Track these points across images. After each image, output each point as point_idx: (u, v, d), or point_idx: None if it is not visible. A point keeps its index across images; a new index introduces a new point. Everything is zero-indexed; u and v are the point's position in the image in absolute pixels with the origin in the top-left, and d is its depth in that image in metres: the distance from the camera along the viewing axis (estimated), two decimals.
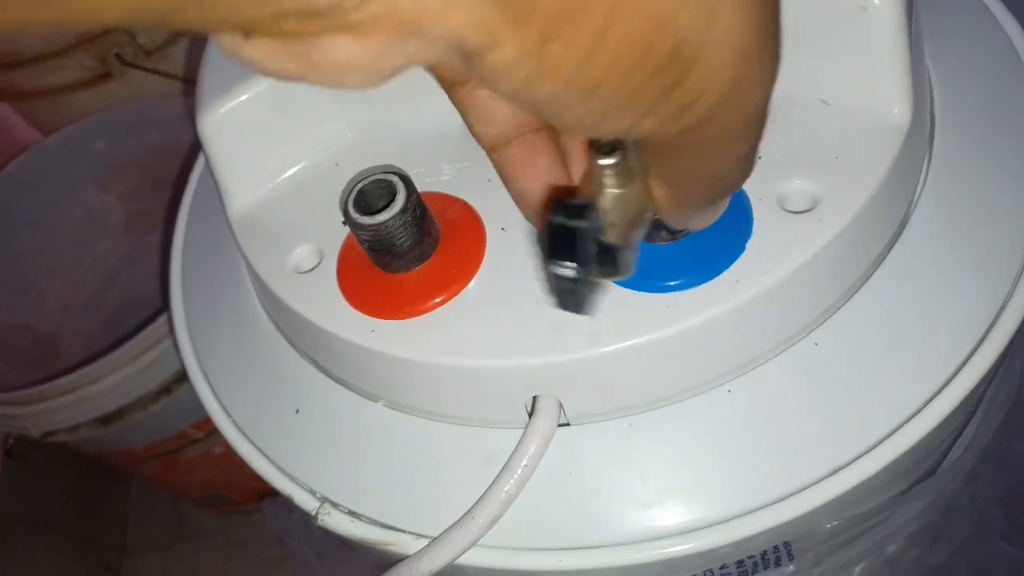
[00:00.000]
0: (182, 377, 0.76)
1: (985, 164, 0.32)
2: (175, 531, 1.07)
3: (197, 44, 0.92)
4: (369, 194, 0.29)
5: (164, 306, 0.74)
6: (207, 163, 0.36)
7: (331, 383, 0.34)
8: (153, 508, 1.10)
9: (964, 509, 0.36)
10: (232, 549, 1.03)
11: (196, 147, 0.93)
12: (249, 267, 0.35)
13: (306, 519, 0.51)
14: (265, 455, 0.35)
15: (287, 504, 0.57)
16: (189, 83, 0.91)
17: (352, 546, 0.37)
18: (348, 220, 0.29)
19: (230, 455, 0.96)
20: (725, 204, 0.27)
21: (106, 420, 0.77)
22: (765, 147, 0.30)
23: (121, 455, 0.87)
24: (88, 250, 1.01)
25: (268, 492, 1.02)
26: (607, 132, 0.19)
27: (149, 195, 1.00)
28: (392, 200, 0.29)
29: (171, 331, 0.41)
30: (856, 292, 0.30)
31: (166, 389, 0.77)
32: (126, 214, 1.01)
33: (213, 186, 0.44)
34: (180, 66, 0.91)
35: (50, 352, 0.97)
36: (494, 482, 0.29)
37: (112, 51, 0.89)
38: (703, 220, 0.27)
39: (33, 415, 0.76)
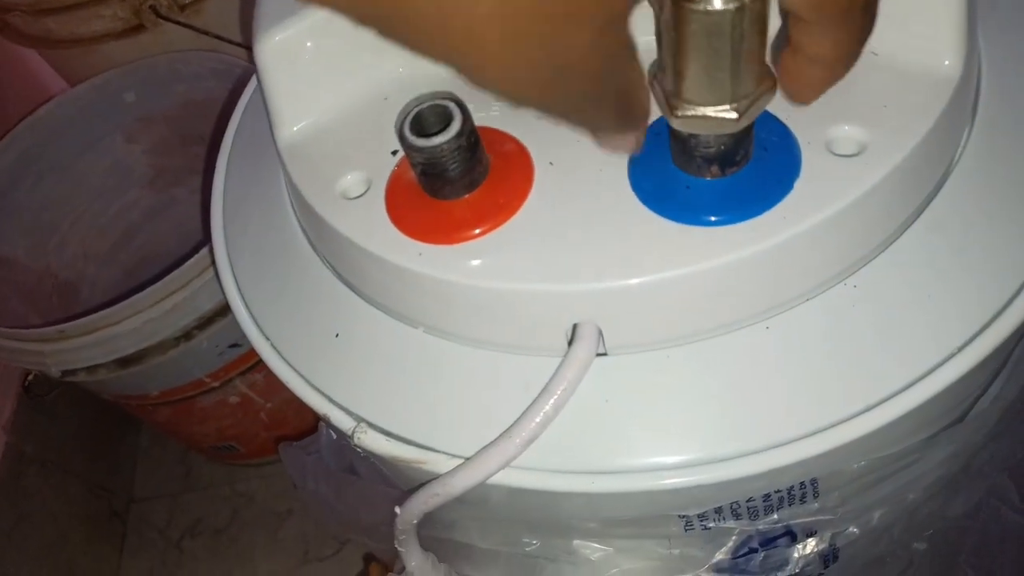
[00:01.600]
0: (203, 323, 0.77)
1: None
2: (183, 481, 1.08)
3: (229, 2, 0.92)
4: (425, 118, 0.30)
5: (204, 236, 0.75)
6: (260, 90, 0.36)
7: (372, 309, 0.35)
8: (162, 458, 1.11)
9: (982, 469, 0.37)
10: (239, 501, 1.04)
11: (228, 102, 0.94)
12: (296, 194, 0.36)
13: (327, 455, 0.52)
14: (303, 376, 0.36)
15: (304, 446, 0.58)
16: (221, 39, 0.92)
17: (381, 473, 0.38)
18: (403, 142, 0.30)
19: (244, 405, 0.97)
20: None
21: (125, 362, 0.78)
22: None
23: (136, 400, 0.88)
24: (113, 200, 1.02)
25: (276, 448, 1.03)
26: None
27: (176, 149, 1.01)
28: (448, 125, 0.30)
29: (211, 258, 0.41)
30: (897, 239, 0.30)
31: (186, 335, 0.77)
32: (152, 167, 1.02)
33: (255, 123, 0.45)
34: (212, 21, 0.92)
35: (70, 298, 0.98)
36: (532, 403, 0.30)
37: (147, 3, 0.89)
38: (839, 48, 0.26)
39: (54, 353, 0.76)
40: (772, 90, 0.26)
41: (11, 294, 0.89)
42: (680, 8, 0.23)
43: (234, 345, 0.82)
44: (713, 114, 0.26)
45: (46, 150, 0.93)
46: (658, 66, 0.26)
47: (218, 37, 0.91)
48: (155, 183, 1.04)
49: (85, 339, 0.74)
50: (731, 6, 0.22)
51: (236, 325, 0.82)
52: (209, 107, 0.94)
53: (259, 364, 0.87)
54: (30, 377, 0.84)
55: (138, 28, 0.91)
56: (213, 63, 0.90)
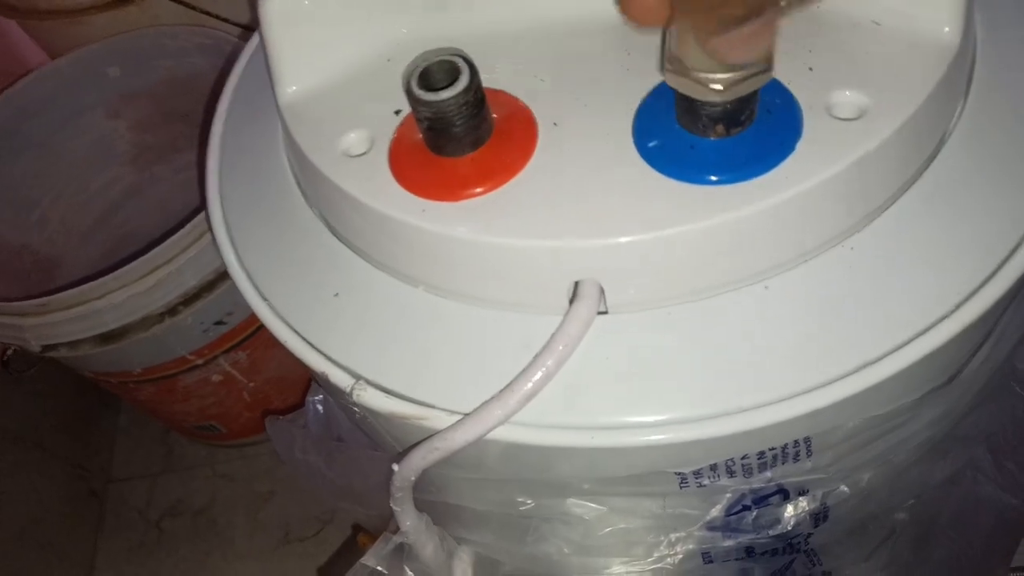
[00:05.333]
0: (188, 300, 0.77)
1: (1019, 95, 0.33)
2: (163, 462, 1.08)
3: None
4: (433, 74, 0.30)
5: (196, 204, 0.74)
6: (262, 47, 0.36)
7: (372, 268, 0.35)
8: (142, 438, 1.10)
9: (966, 435, 0.38)
10: (219, 482, 1.04)
11: (214, 79, 0.92)
12: (297, 153, 0.36)
13: (313, 427, 0.52)
14: (301, 336, 0.36)
15: (292, 419, 0.58)
16: (209, 15, 0.91)
17: (378, 431, 0.38)
18: (410, 96, 0.30)
19: (227, 384, 0.97)
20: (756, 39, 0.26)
21: (108, 338, 0.78)
22: (816, 60, 0.31)
23: (117, 377, 0.87)
24: (94, 176, 1.01)
25: (261, 426, 1.03)
26: None
27: (160, 126, 1.00)
28: (455, 81, 0.30)
29: (207, 220, 0.41)
30: (894, 203, 0.31)
31: (171, 311, 0.77)
32: (135, 144, 1.01)
33: (252, 87, 0.45)
34: None
35: (49, 274, 0.97)
36: (534, 359, 0.30)
37: None
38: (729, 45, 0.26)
39: (34, 327, 0.76)
40: (765, 72, 0.27)
41: None
42: None
43: (219, 322, 0.82)
44: (743, 75, 0.26)
45: (26, 124, 0.92)
46: (673, 53, 0.27)
47: (206, 12, 0.90)
48: (137, 161, 1.02)
49: (67, 313, 0.74)
50: None
51: (222, 302, 0.82)
52: (194, 84, 0.93)
53: (243, 343, 0.86)
54: (9, 352, 0.83)
55: (123, 0, 0.90)
56: (200, 38, 0.89)
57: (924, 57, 0.30)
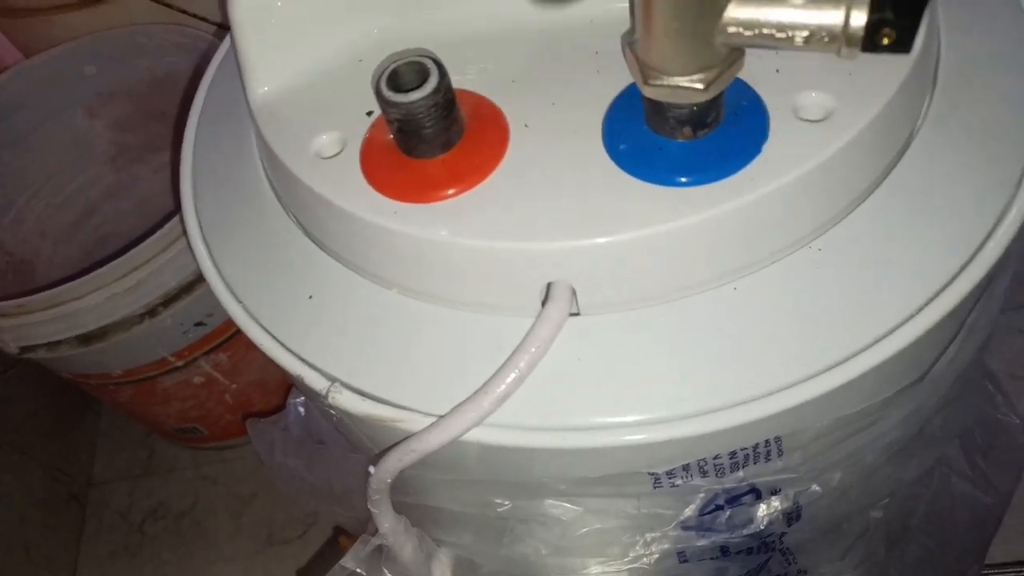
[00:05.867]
0: (168, 300, 0.76)
1: (983, 94, 0.34)
2: (144, 464, 1.07)
3: None
4: (402, 75, 0.30)
5: (175, 204, 0.74)
6: (232, 48, 0.36)
7: (345, 270, 0.35)
8: (122, 440, 1.10)
9: (934, 435, 0.38)
10: (201, 484, 1.03)
11: (192, 77, 0.92)
12: (269, 155, 0.36)
13: (293, 428, 0.52)
14: (276, 339, 0.36)
15: (273, 421, 0.57)
16: (185, 13, 0.90)
17: (354, 434, 0.38)
18: (380, 98, 0.30)
19: (208, 386, 0.96)
20: None
21: (87, 339, 0.77)
22: (783, 62, 0.31)
23: (97, 379, 0.87)
24: (72, 176, 1.00)
25: (243, 429, 1.02)
26: None
27: (138, 126, 0.99)
28: (424, 82, 0.30)
29: (182, 226, 0.41)
30: (860, 204, 0.31)
31: (151, 312, 0.76)
32: (113, 143, 1.01)
33: (225, 89, 0.45)
34: None
35: (25, 276, 0.96)
36: (507, 361, 0.30)
37: None
38: None
39: (13, 328, 0.75)
40: (739, 62, 0.27)
41: None
42: None
43: (199, 324, 0.81)
44: (683, 84, 0.27)
45: (1, 123, 0.91)
46: (631, 34, 0.27)
47: (182, 11, 0.90)
48: (116, 160, 1.02)
49: (46, 314, 0.73)
50: None
51: (202, 302, 0.82)
52: (172, 83, 0.92)
53: (224, 344, 0.86)
54: None
55: None
56: (177, 36, 0.88)
57: (887, 61, 0.31)
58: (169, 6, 0.90)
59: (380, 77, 0.30)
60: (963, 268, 0.31)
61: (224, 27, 0.91)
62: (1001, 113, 0.33)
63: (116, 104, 0.97)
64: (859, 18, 0.26)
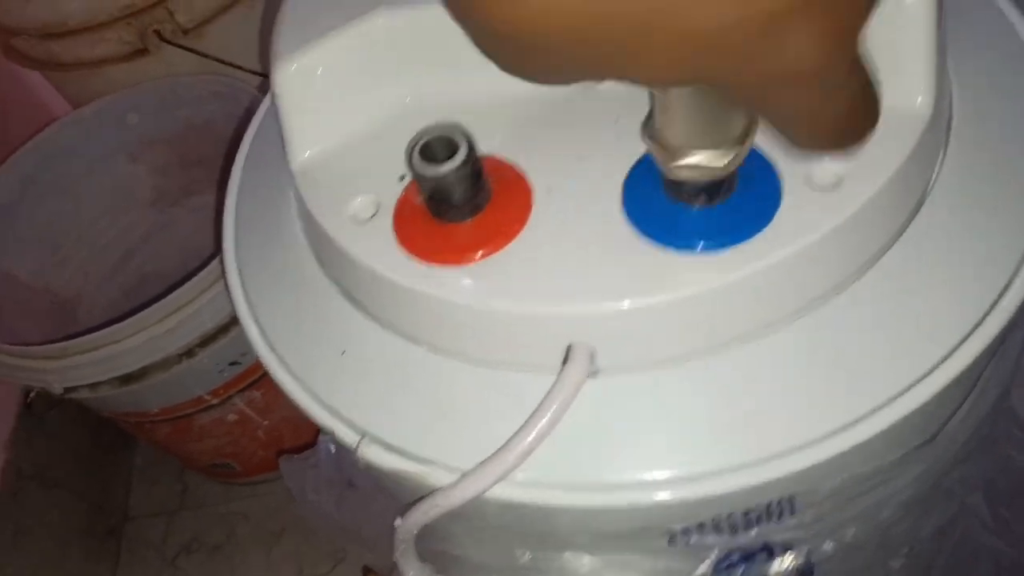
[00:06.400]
0: (205, 341, 0.79)
1: (995, 158, 0.35)
2: (178, 499, 1.09)
3: (232, 27, 0.94)
4: (433, 147, 0.32)
5: (204, 256, 0.77)
6: (275, 115, 0.38)
7: (377, 327, 0.37)
8: (157, 475, 1.12)
9: (952, 490, 0.38)
10: (234, 519, 1.05)
11: (229, 124, 0.95)
12: (307, 216, 0.38)
13: (325, 468, 0.54)
14: (310, 391, 0.37)
15: (304, 458, 0.59)
16: (223, 63, 0.94)
17: (381, 484, 0.40)
18: (412, 170, 0.32)
19: (242, 423, 0.99)
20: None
21: (127, 379, 0.80)
22: None
23: (135, 417, 0.89)
24: (114, 220, 1.04)
25: (275, 464, 1.04)
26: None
27: (177, 171, 1.03)
28: (454, 154, 0.31)
29: (223, 276, 0.43)
30: (872, 266, 0.32)
31: (188, 352, 0.79)
32: (153, 188, 1.04)
33: (265, 144, 0.47)
34: (214, 45, 0.94)
35: (68, 316, 0.99)
36: (528, 420, 0.32)
37: (151, 27, 0.91)
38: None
39: (57, 370, 0.78)
40: (754, 132, 0.29)
41: (12, 312, 0.90)
42: None
43: (234, 363, 0.84)
44: (706, 162, 0.28)
45: (50, 171, 0.95)
46: (650, 120, 0.29)
47: (219, 60, 0.93)
48: (156, 204, 1.05)
49: (88, 356, 0.76)
50: None
51: (237, 343, 0.84)
52: (210, 129, 0.96)
53: (258, 382, 0.88)
54: (32, 394, 0.85)
55: (142, 52, 0.93)
56: (215, 86, 0.92)
57: (897, 126, 0.32)
58: (208, 56, 0.93)
59: (413, 149, 0.32)
60: (974, 329, 0.32)
61: (259, 74, 0.95)
62: (1013, 170, 0.34)
63: (156, 150, 1.00)
64: None
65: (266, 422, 0.94)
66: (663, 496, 0.31)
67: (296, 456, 0.59)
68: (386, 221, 0.35)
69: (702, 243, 0.30)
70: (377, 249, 0.34)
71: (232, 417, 0.90)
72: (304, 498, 0.57)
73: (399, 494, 0.39)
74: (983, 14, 0.40)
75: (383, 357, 0.36)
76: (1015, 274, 0.32)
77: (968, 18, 0.39)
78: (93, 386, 0.80)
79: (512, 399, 0.33)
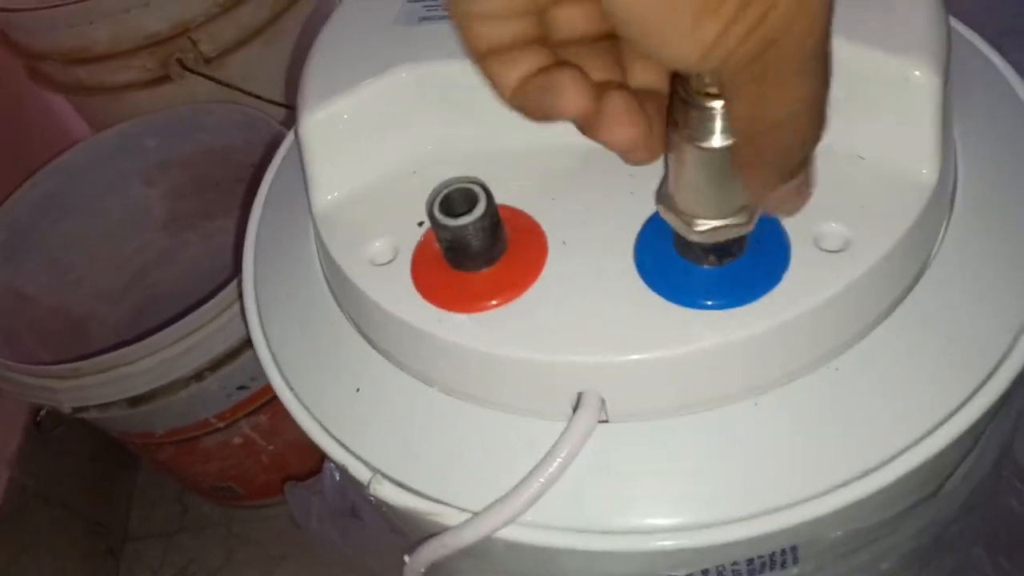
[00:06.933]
0: (215, 365, 0.80)
1: (999, 225, 0.36)
2: (178, 521, 1.09)
3: (252, 57, 0.97)
4: (453, 199, 0.33)
5: (224, 269, 0.78)
6: (300, 161, 0.39)
7: (392, 367, 0.38)
8: (158, 496, 1.12)
9: (953, 541, 0.39)
10: (234, 543, 1.05)
11: (246, 151, 0.96)
12: (327, 257, 0.39)
13: (330, 498, 0.54)
14: (324, 428, 0.38)
15: (309, 487, 0.60)
16: (243, 92, 0.96)
17: (388, 519, 0.41)
18: (432, 221, 0.33)
19: (246, 447, 0.99)
20: (802, 192, 0.29)
21: (136, 401, 0.81)
22: None
23: (141, 438, 0.90)
24: (128, 241, 1.05)
25: (278, 488, 1.05)
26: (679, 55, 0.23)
27: (191, 194, 1.04)
28: (473, 207, 0.33)
29: (237, 299, 0.44)
30: (877, 326, 0.33)
31: (197, 376, 0.80)
32: (167, 210, 1.06)
33: (288, 179, 0.48)
34: (235, 74, 0.96)
35: (80, 335, 1.00)
36: (538, 465, 0.33)
37: (175, 56, 0.94)
38: (780, 199, 0.29)
39: (67, 390, 0.79)
40: (745, 225, 0.30)
41: (25, 330, 0.91)
42: (690, 147, 0.27)
43: (242, 387, 0.84)
44: (723, 224, 0.29)
45: (69, 192, 0.97)
46: (667, 190, 0.30)
47: (239, 89, 0.96)
48: (169, 226, 1.07)
49: (99, 377, 0.77)
50: (728, 143, 0.26)
51: (246, 367, 0.85)
52: (226, 155, 0.97)
53: (264, 407, 0.89)
54: (42, 412, 0.86)
55: (164, 79, 0.95)
56: (234, 114, 0.94)
57: (904, 192, 0.33)
58: (228, 85, 0.95)
59: (433, 201, 0.33)
60: (977, 390, 0.33)
61: (278, 104, 0.97)
62: (1017, 236, 0.35)
63: (172, 173, 1.02)
64: None
65: (271, 447, 0.94)
66: (666, 543, 0.32)
67: (301, 484, 0.60)
68: (404, 265, 0.36)
69: (710, 301, 0.31)
70: (394, 293, 0.35)
71: (237, 441, 0.91)
72: (308, 525, 0.58)
73: (408, 530, 0.40)
74: (989, 80, 0.41)
75: (397, 396, 0.37)
76: (1015, 340, 0.33)
77: (974, 84, 0.41)
78: (103, 406, 0.81)
79: (522, 443, 0.34)
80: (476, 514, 0.33)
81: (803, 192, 0.30)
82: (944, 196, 0.35)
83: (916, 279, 0.34)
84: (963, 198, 0.37)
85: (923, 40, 0.33)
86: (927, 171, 0.33)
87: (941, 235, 0.36)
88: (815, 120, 0.26)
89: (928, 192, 0.33)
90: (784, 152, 0.27)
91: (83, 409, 0.81)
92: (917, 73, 0.32)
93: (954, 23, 0.44)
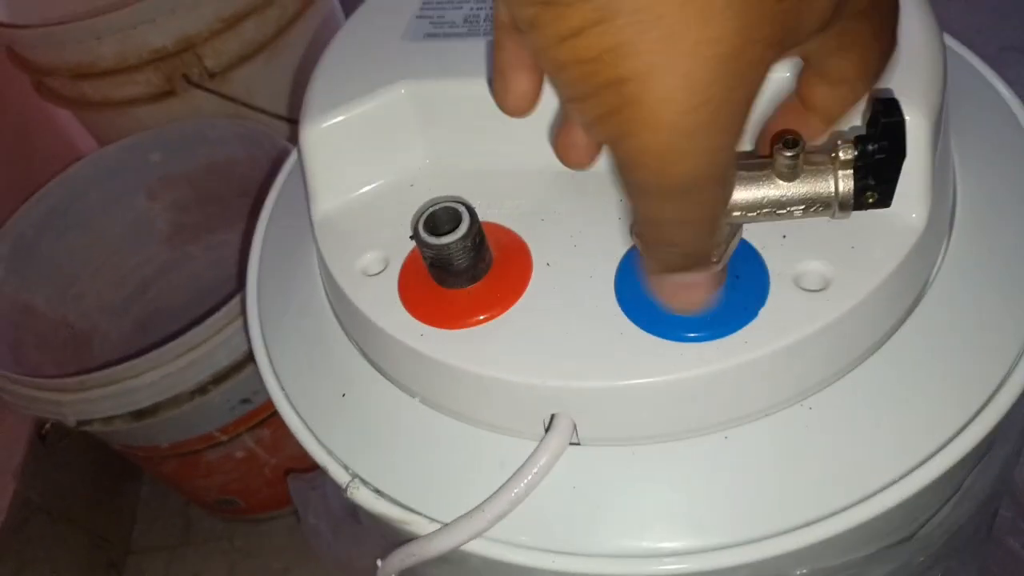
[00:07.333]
0: (218, 379, 0.80)
1: (994, 266, 0.36)
2: (181, 534, 1.10)
3: (257, 73, 0.98)
4: (438, 218, 0.34)
5: (226, 282, 0.78)
6: (301, 169, 0.40)
7: (378, 376, 0.38)
8: (161, 510, 1.13)
9: None
10: (236, 556, 1.05)
11: (248, 166, 0.97)
12: (323, 265, 0.40)
13: (329, 494, 0.54)
14: (310, 429, 0.39)
15: (311, 480, 0.60)
16: (247, 106, 0.97)
17: (371, 522, 0.41)
18: (416, 238, 0.34)
19: (249, 460, 1.00)
20: (694, 292, 0.30)
21: (140, 414, 0.81)
22: (790, 230, 0.34)
23: (144, 451, 0.91)
24: (131, 254, 1.06)
25: (280, 502, 1.04)
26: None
27: (194, 208, 1.05)
28: (457, 226, 0.33)
29: (240, 314, 0.45)
30: (854, 368, 0.33)
31: (201, 389, 0.80)
32: (170, 224, 1.06)
33: (293, 193, 0.50)
34: (239, 89, 0.98)
35: (83, 348, 1.01)
36: (505, 484, 0.33)
37: (180, 71, 0.95)
38: (670, 288, 0.30)
39: (72, 403, 0.79)
40: (739, 234, 0.30)
41: (29, 342, 0.92)
42: None
43: (245, 400, 0.85)
44: None
45: (73, 205, 0.98)
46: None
47: (244, 104, 0.97)
48: (172, 239, 1.08)
49: (104, 390, 0.77)
50: None
51: (249, 381, 0.86)
52: (229, 170, 0.98)
53: (267, 420, 0.89)
54: (47, 426, 0.87)
55: (169, 94, 0.96)
56: (238, 129, 0.95)
57: (891, 235, 0.33)
58: (233, 100, 0.97)
59: (418, 220, 0.34)
60: (951, 439, 0.32)
61: (282, 118, 0.98)
62: (1009, 286, 0.35)
63: (175, 187, 1.03)
64: (847, 186, 0.29)
65: (273, 460, 0.95)
66: (623, 569, 0.32)
67: (303, 476, 0.61)
68: (392, 278, 0.37)
69: (685, 333, 0.32)
70: (380, 303, 0.36)
71: (240, 454, 0.91)
72: (307, 519, 0.58)
73: (387, 535, 0.40)
74: (988, 101, 0.42)
75: (380, 404, 0.38)
76: (997, 390, 0.33)
77: (973, 105, 0.41)
78: (107, 420, 0.81)
79: (493, 459, 0.35)
80: (443, 526, 0.33)
81: (695, 293, 0.30)
82: (933, 240, 0.35)
83: (900, 321, 0.34)
84: (960, 234, 0.37)
85: (914, 83, 0.33)
86: (916, 215, 0.33)
87: (933, 275, 0.35)
88: (693, 238, 0.26)
89: (915, 236, 0.33)
90: (657, 248, 0.27)
91: (88, 422, 0.81)
92: (908, 118, 0.32)
93: (954, 43, 0.44)
